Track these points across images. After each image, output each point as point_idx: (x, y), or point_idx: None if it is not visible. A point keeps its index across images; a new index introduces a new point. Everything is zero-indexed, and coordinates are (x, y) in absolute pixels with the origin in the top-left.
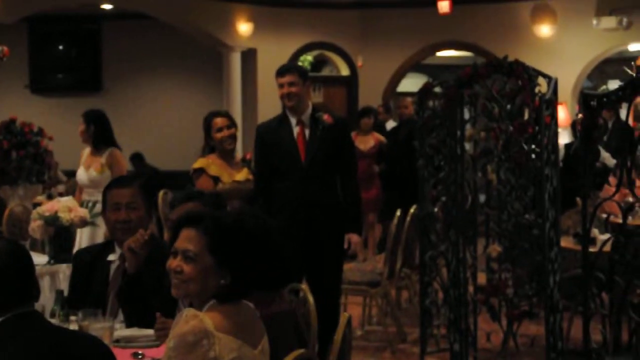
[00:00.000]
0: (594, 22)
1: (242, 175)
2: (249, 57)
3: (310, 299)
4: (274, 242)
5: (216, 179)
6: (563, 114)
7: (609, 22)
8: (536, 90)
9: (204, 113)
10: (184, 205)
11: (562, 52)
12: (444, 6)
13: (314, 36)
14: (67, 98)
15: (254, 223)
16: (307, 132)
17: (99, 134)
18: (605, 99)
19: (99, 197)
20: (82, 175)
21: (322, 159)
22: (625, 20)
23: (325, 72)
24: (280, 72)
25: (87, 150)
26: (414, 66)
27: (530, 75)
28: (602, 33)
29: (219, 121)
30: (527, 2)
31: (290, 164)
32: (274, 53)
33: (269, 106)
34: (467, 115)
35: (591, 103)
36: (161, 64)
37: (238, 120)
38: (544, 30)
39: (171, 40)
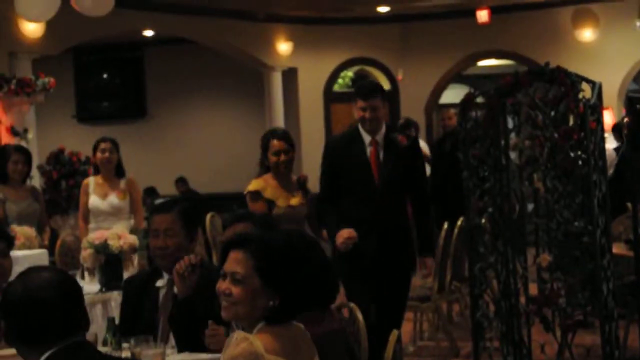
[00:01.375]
0: (637, 23)
1: (297, 200)
2: (290, 76)
3: (360, 316)
4: (321, 261)
5: (271, 203)
6: (609, 119)
7: None
8: (580, 95)
9: (247, 134)
10: (234, 226)
11: (606, 56)
12: (482, 15)
13: (353, 52)
14: (113, 126)
15: (302, 243)
16: (381, 152)
17: (120, 162)
18: None
19: (120, 224)
20: (99, 203)
21: (395, 180)
22: None
23: None
24: (364, 94)
25: (92, 179)
26: (455, 77)
27: (573, 81)
28: None
29: (276, 144)
30: (568, 7)
31: (363, 185)
32: (315, 71)
33: (311, 124)
34: (510, 125)
35: (637, 106)
36: (203, 86)
37: None
38: (586, 34)
39: (212, 62)
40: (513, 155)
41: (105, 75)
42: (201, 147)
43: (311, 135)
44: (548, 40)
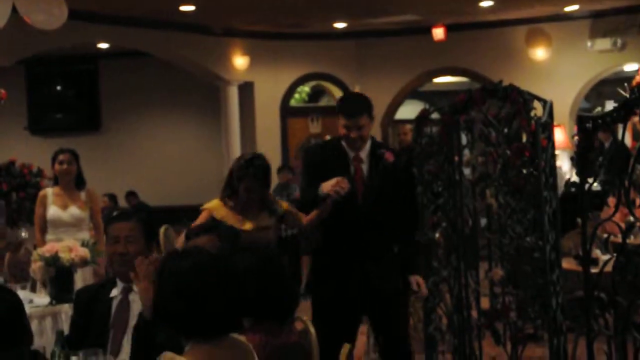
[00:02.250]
0: (589, 44)
1: (252, 224)
2: (246, 90)
3: (312, 329)
4: (275, 276)
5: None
6: (561, 136)
7: (604, 43)
8: (532, 113)
9: (202, 147)
10: (199, 238)
11: (558, 75)
12: (438, 33)
13: (310, 67)
14: (67, 138)
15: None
16: (365, 169)
17: (80, 173)
18: (600, 121)
19: (81, 235)
20: (60, 214)
21: (381, 201)
22: (619, 41)
23: (323, 102)
24: (350, 113)
25: (50, 190)
26: (411, 93)
27: (525, 99)
28: (597, 55)
29: (250, 183)
30: (522, 26)
31: (345, 205)
32: (271, 85)
33: (267, 138)
34: (464, 141)
35: (586, 125)
36: (158, 100)
37: (236, 153)
38: (539, 53)
39: (168, 76)
40: (466, 171)
41: (59, 87)
42: (156, 160)
43: (267, 149)
44: (502, 59)
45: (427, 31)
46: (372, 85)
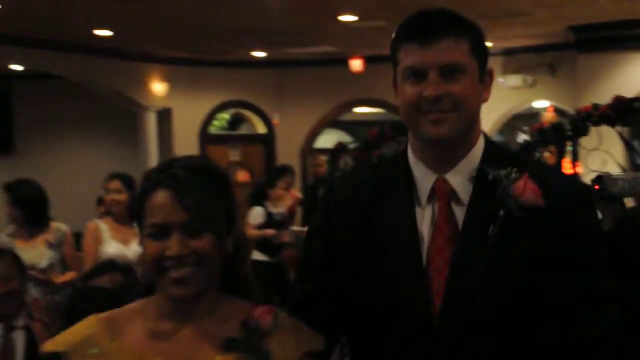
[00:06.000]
0: (501, 80)
1: None
2: (164, 116)
3: None
4: None
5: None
6: None
7: (515, 80)
8: None
9: None
10: (101, 277)
11: None
12: (356, 65)
13: (229, 95)
14: None
15: None
16: (460, 218)
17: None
18: None
19: None
20: (121, 250)
21: (496, 304)
22: (529, 78)
23: (242, 130)
24: (422, 32)
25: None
26: (330, 123)
27: None
28: (509, 91)
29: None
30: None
31: (401, 313)
32: (190, 112)
33: None
34: None
35: None
36: (74, 124)
37: None
38: None
39: (84, 99)
40: None
41: None
42: (69, 187)
43: None
44: None
45: (345, 62)
46: (291, 114)
